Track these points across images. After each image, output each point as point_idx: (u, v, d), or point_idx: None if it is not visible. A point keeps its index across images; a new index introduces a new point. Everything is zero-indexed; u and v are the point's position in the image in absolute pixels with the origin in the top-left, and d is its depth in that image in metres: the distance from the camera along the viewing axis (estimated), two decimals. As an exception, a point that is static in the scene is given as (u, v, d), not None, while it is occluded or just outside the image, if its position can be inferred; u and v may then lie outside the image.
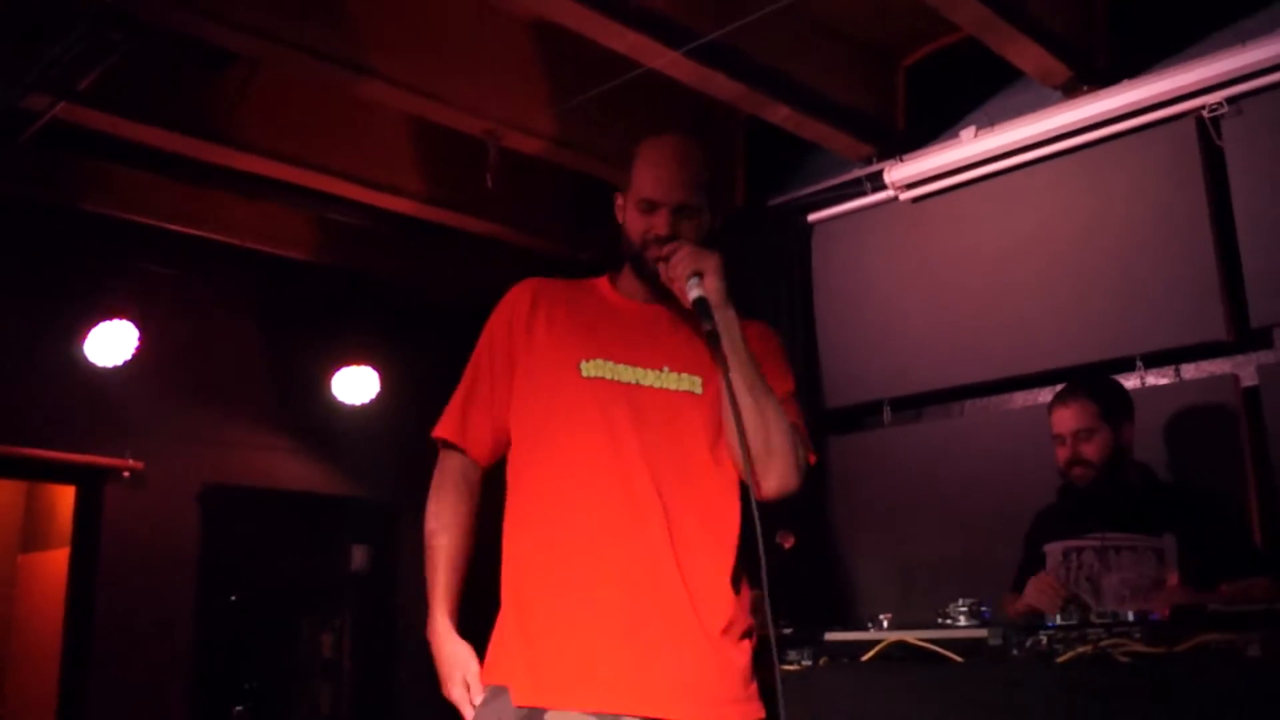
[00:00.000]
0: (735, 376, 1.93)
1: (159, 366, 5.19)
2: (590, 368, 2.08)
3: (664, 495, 1.98)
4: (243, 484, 5.68)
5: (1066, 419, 3.16)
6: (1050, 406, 3.24)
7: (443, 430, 2.17)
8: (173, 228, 4.99)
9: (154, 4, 3.43)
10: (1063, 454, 3.17)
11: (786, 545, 3.93)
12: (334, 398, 5.62)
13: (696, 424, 2.04)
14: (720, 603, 1.96)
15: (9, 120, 4.09)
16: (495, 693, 1.95)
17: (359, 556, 6.21)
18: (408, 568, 6.18)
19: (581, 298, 2.23)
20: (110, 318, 4.96)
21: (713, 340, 1.92)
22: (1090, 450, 3.11)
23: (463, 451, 2.16)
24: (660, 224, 2.07)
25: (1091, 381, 3.34)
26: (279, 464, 5.81)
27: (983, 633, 2.04)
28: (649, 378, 2.06)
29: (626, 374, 2.07)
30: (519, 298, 2.21)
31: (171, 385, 5.39)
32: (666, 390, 2.06)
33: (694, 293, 1.94)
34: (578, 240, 5.45)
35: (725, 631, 1.96)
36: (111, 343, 4.99)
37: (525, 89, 4.36)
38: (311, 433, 5.85)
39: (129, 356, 5.02)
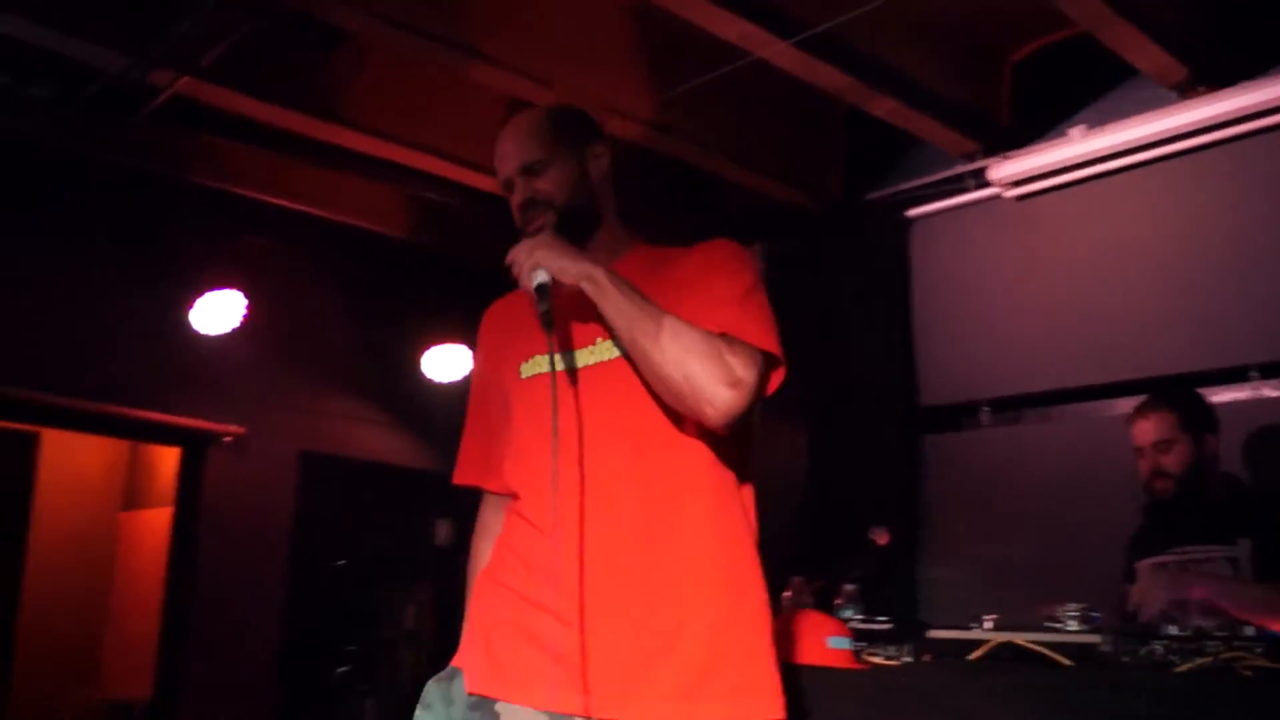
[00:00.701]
0: (616, 331, 1.84)
1: (263, 336, 5.31)
2: (528, 367, 2.03)
3: (614, 479, 1.86)
4: (336, 453, 5.81)
5: (1146, 431, 3.11)
6: (1129, 420, 3.17)
7: (456, 477, 2.20)
8: (280, 202, 5.10)
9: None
10: (1144, 467, 3.11)
11: (881, 542, 3.92)
12: (425, 374, 5.71)
13: (640, 385, 1.89)
14: (690, 589, 1.83)
15: (132, 94, 4.22)
16: (451, 672, 1.93)
17: (443, 531, 6.30)
18: (492, 544, 6.30)
19: (527, 300, 2.12)
20: (218, 287, 5.09)
21: (545, 322, 1.81)
22: (1170, 461, 3.06)
23: (483, 489, 2.17)
24: (517, 195, 2.06)
25: (1171, 392, 3.28)
26: (371, 436, 5.94)
27: (1094, 638, 2.02)
28: (584, 356, 1.94)
29: (563, 361, 1.97)
30: (479, 328, 2.23)
31: (274, 355, 5.53)
32: (603, 362, 1.93)
33: (536, 280, 1.85)
34: (668, 226, 5.45)
35: (700, 623, 1.81)
36: (219, 312, 5.12)
37: (627, 74, 4.38)
38: (403, 407, 5.96)
39: (236, 325, 5.16)
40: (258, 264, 5.27)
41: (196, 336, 5.13)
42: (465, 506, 6.67)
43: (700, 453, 1.89)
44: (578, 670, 1.79)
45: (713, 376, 1.77)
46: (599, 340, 1.94)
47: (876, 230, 4.87)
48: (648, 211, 5.33)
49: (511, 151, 2.06)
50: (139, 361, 5.24)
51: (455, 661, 1.93)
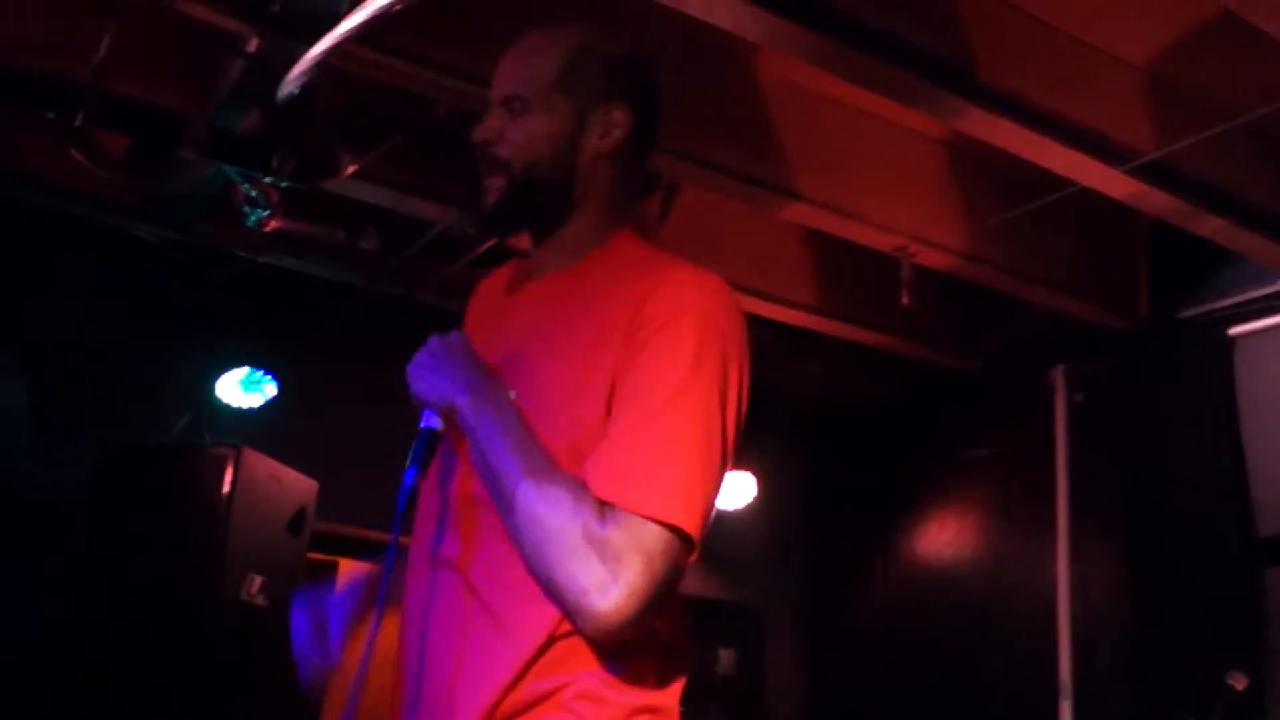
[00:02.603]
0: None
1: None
2: None
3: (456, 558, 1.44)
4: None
5: None
6: None
7: None
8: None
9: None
10: None
11: (1240, 687, 3.68)
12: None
13: None
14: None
15: (456, 243, 4.46)
16: None
17: (725, 660, 6.25)
18: (775, 673, 6.21)
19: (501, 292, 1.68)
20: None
21: (402, 497, 1.41)
22: None
23: None
24: (480, 130, 1.55)
25: None
26: (656, 565, 5.95)
27: None
28: None
29: None
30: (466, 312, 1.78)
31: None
32: None
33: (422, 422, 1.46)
34: (965, 349, 5.38)
35: None
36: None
37: (938, 206, 4.37)
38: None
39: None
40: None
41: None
42: (748, 634, 6.65)
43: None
44: None
45: (575, 583, 1.27)
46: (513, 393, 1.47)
47: (1195, 349, 4.64)
48: (939, 333, 5.32)
49: (504, 73, 1.58)
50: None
51: None
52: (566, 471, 1.34)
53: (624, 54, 1.61)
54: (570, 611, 1.29)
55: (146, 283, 4.45)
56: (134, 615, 3.66)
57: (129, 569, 3.73)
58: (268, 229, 3.68)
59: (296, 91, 3.04)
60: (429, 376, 1.46)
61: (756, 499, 5.75)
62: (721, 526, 5.48)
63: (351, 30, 2.73)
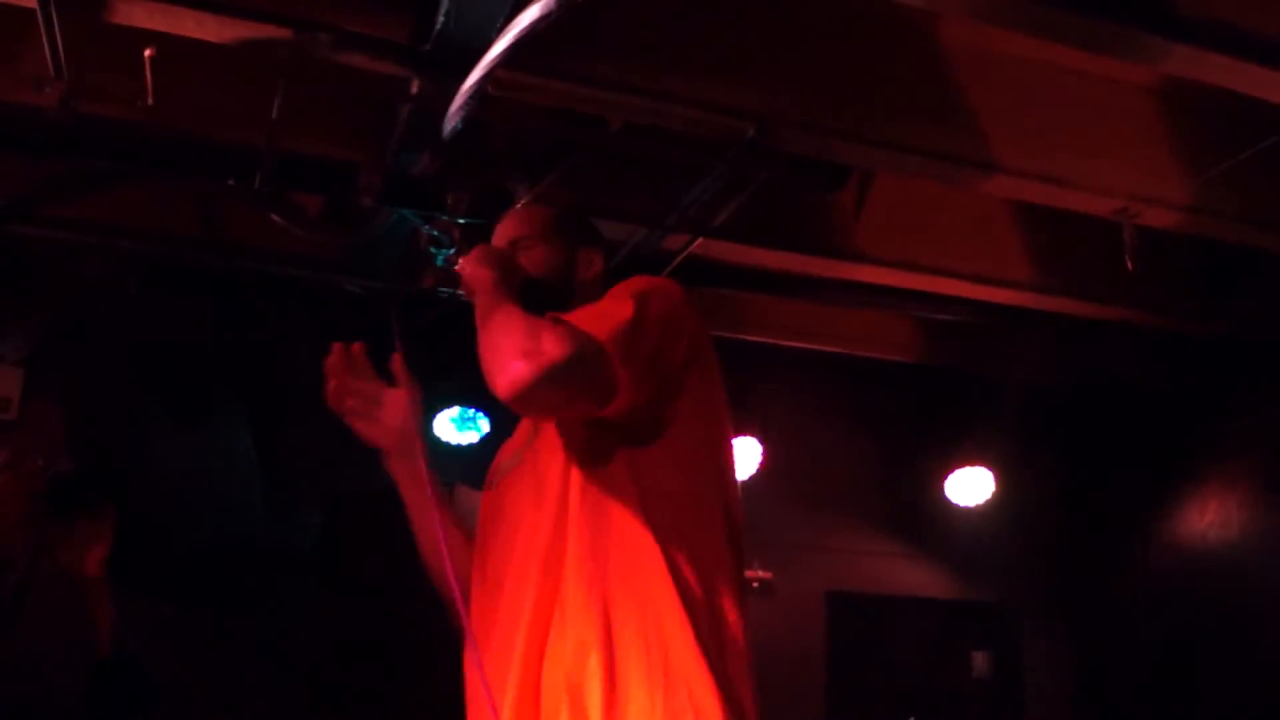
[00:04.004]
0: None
1: (781, 478, 5.32)
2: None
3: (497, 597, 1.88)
4: (863, 591, 5.68)
5: None
6: None
7: None
8: (787, 344, 5.12)
9: (794, 135, 3.52)
10: None
11: None
12: (948, 500, 5.50)
13: (528, 494, 1.88)
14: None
15: (645, 261, 4.40)
16: None
17: (980, 663, 5.96)
18: (1034, 673, 5.87)
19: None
20: (735, 435, 5.17)
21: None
22: None
23: None
24: None
25: None
26: (896, 570, 5.77)
27: None
28: (509, 463, 2.03)
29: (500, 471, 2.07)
30: None
31: (793, 496, 5.51)
32: (514, 469, 1.98)
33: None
34: (1208, 314, 4.93)
35: None
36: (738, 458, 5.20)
37: (1157, 160, 4.00)
38: (927, 537, 5.75)
39: (754, 470, 5.20)
40: (773, 407, 5.32)
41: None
42: (1003, 634, 6.32)
43: (580, 579, 1.75)
44: None
45: (512, 347, 1.64)
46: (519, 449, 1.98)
47: None
48: (1176, 300, 4.90)
49: (504, 228, 2.17)
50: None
51: None
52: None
53: (588, 221, 2.24)
54: (494, 373, 1.64)
55: (358, 333, 4.59)
56: (364, 653, 3.75)
57: (357, 609, 3.84)
58: (457, 267, 3.71)
59: (459, 126, 3.05)
60: (478, 256, 1.99)
61: (997, 493, 5.45)
62: (963, 524, 5.27)
63: (499, 56, 2.71)
